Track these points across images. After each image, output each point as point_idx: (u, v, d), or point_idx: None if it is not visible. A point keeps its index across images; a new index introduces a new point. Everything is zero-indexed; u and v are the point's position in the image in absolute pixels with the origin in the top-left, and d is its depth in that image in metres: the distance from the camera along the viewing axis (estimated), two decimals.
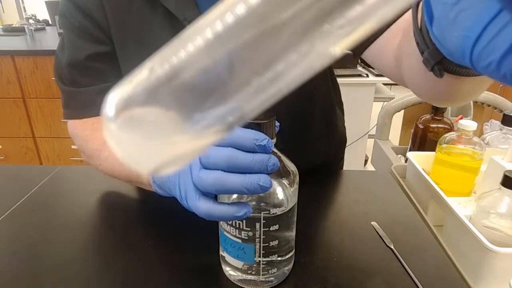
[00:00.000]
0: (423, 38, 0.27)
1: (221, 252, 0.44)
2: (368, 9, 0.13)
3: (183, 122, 0.15)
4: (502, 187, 0.50)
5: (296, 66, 0.15)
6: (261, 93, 0.15)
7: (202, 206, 0.36)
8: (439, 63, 0.27)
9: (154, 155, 0.17)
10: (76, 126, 0.61)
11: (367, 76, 1.95)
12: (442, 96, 0.38)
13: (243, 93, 0.15)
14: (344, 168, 0.83)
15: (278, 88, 0.15)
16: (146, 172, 0.18)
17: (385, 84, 2.17)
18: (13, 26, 2.63)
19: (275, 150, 0.38)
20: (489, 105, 1.06)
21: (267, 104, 0.16)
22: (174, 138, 0.15)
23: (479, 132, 0.81)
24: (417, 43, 0.28)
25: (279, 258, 0.42)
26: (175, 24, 0.52)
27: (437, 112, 0.85)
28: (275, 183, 0.39)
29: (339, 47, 0.15)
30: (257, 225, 0.38)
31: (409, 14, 0.45)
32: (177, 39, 0.15)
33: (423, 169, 0.68)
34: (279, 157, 0.38)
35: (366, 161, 2.31)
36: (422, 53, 0.28)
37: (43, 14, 2.69)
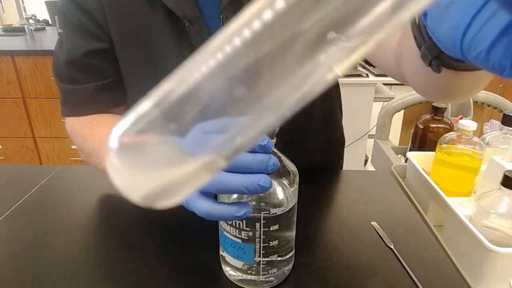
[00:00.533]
0: (421, 33, 0.27)
1: (221, 252, 0.44)
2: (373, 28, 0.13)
3: (182, 155, 0.15)
4: (502, 187, 0.50)
5: (299, 88, 0.15)
6: (261, 121, 0.15)
7: (202, 206, 0.36)
8: (437, 57, 0.27)
9: (151, 185, 0.17)
10: (74, 125, 0.61)
11: (367, 76, 1.95)
12: (442, 92, 0.38)
13: (242, 124, 0.15)
14: (344, 168, 0.83)
15: (279, 114, 0.15)
16: (138, 202, 0.18)
17: (385, 84, 2.17)
18: (13, 26, 2.63)
19: (275, 150, 0.38)
20: (489, 105, 1.06)
21: (266, 131, 0.16)
22: (173, 170, 0.15)
23: (479, 132, 0.81)
24: (415, 38, 0.29)
25: (279, 258, 0.42)
26: (175, 22, 0.52)
27: (437, 112, 0.85)
28: (275, 183, 0.39)
29: (342, 67, 0.14)
30: (257, 225, 0.38)
31: None
32: (179, 70, 0.15)
33: (423, 169, 0.68)
34: (279, 157, 0.38)
35: (366, 161, 2.31)
36: (419, 47, 0.28)
37: (43, 14, 2.69)
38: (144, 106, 0.15)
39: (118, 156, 0.16)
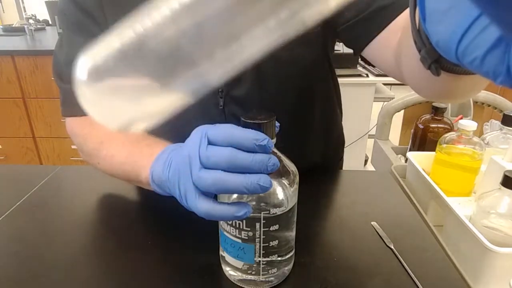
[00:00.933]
0: (420, 36, 0.27)
1: (221, 252, 0.44)
2: None
3: (151, 85, 0.15)
4: (502, 187, 0.50)
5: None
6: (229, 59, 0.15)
7: (202, 206, 0.36)
8: (436, 61, 0.27)
9: (123, 113, 0.17)
10: (74, 125, 0.61)
11: (367, 76, 1.95)
12: (441, 94, 0.38)
13: (211, 58, 0.15)
14: (344, 168, 0.83)
15: (249, 54, 0.15)
16: (115, 127, 0.18)
17: (385, 84, 2.17)
18: (13, 26, 2.63)
19: (275, 150, 0.38)
20: (489, 105, 1.06)
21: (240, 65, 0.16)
22: (142, 99, 0.16)
23: (479, 132, 0.81)
24: (415, 42, 0.29)
25: (279, 258, 0.42)
26: None
27: (437, 112, 0.85)
28: (275, 183, 0.38)
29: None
30: (257, 225, 0.38)
31: (408, 12, 0.45)
32: (145, 7, 0.15)
33: (423, 169, 0.68)
34: (279, 157, 0.38)
35: (366, 161, 2.31)
36: (419, 51, 0.28)
37: (43, 14, 2.69)
38: (112, 40, 0.15)
39: (89, 87, 0.16)
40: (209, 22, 0.14)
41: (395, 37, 0.45)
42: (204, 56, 0.15)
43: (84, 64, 0.16)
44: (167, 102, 0.16)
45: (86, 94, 0.16)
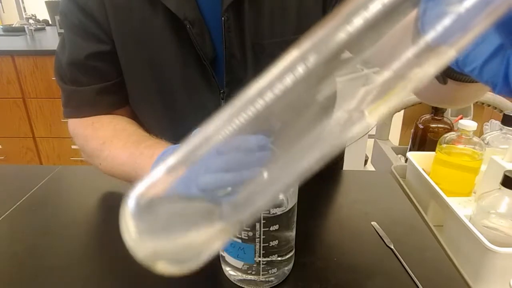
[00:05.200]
0: None
1: (221, 252, 0.44)
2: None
3: (198, 220, 0.15)
4: (502, 187, 0.50)
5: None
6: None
7: None
8: (443, 71, 0.27)
9: (173, 254, 0.17)
10: (77, 126, 0.61)
11: None
12: (444, 100, 0.38)
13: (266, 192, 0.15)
14: (344, 168, 0.83)
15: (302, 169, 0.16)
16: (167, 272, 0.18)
17: None
18: (13, 26, 2.63)
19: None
20: (489, 105, 1.06)
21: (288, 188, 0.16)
22: (189, 236, 0.16)
23: (479, 132, 0.81)
24: None
25: (279, 258, 0.42)
26: (176, 23, 0.52)
27: (437, 112, 0.85)
28: None
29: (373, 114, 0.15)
30: (257, 225, 0.38)
31: (410, 16, 0.45)
32: (195, 137, 0.15)
33: (423, 169, 0.68)
34: None
35: (366, 161, 2.31)
36: None
37: (43, 14, 2.69)
38: (160, 171, 0.15)
39: (134, 218, 0.16)
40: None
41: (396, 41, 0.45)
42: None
43: (134, 197, 0.16)
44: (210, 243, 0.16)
45: (131, 229, 0.16)
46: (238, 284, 0.43)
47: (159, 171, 0.15)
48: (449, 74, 0.28)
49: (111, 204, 0.63)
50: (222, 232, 0.16)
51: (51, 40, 2.28)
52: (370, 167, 2.23)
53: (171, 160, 0.15)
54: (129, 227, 0.16)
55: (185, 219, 0.15)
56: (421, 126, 0.88)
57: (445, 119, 0.86)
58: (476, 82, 0.30)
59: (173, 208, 0.15)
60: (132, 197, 0.15)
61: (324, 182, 0.69)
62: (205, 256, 0.17)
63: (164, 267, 0.17)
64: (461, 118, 0.94)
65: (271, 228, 0.39)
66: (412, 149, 0.92)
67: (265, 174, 0.14)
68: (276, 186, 0.15)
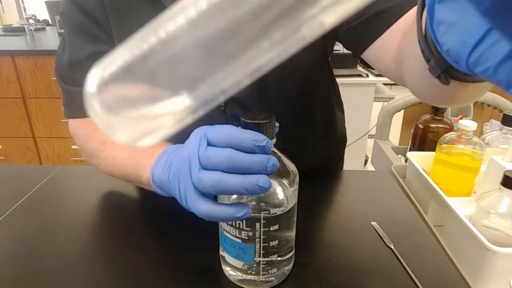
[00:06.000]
0: (429, 46, 0.27)
1: (221, 252, 0.44)
2: None
3: (159, 97, 0.15)
4: (502, 187, 0.50)
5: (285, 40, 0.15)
6: (239, 69, 0.15)
7: (202, 207, 0.36)
8: (445, 71, 0.27)
9: (132, 127, 0.17)
10: (77, 126, 0.61)
11: (367, 76, 1.94)
12: (445, 99, 0.38)
13: (220, 71, 0.15)
14: (344, 168, 0.83)
15: (257, 65, 0.16)
16: (123, 142, 0.18)
17: (385, 84, 2.17)
18: (13, 26, 2.63)
19: (275, 150, 0.38)
20: (489, 105, 1.06)
21: (245, 79, 0.16)
22: (151, 112, 0.16)
23: (479, 132, 0.81)
24: (422, 51, 0.28)
25: (279, 258, 0.42)
26: None
27: (437, 112, 0.85)
28: (275, 183, 0.39)
29: (329, 18, 0.15)
30: (257, 225, 0.38)
31: (408, 16, 0.45)
32: (155, 20, 0.15)
33: (423, 169, 0.68)
34: (279, 157, 0.38)
35: (366, 161, 2.31)
36: (427, 61, 0.28)
37: (43, 14, 2.69)
38: (118, 51, 0.15)
39: (97, 100, 0.16)
40: (218, 35, 0.14)
41: (394, 40, 0.45)
42: (214, 66, 0.15)
43: (95, 76, 0.16)
44: (176, 113, 0.16)
45: (96, 106, 0.16)
46: (238, 284, 0.43)
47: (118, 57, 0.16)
48: (452, 75, 0.28)
49: (111, 204, 0.63)
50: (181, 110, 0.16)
51: (51, 40, 2.28)
52: (370, 167, 2.23)
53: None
54: (99, 116, 0.17)
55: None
56: (421, 126, 0.88)
57: (445, 119, 0.86)
58: (479, 82, 0.30)
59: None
60: (94, 83, 0.16)
61: (324, 182, 0.69)
62: (161, 132, 0.17)
63: (144, 142, 0.17)
64: (461, 118, 0.94)
65: (271, 228, 0.39)
66: (412, 149, 0.92)
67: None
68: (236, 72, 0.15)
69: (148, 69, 0.15)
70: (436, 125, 0.86)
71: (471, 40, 0.18)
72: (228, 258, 0.42)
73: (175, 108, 0.16)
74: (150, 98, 0.16)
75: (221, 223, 0.41)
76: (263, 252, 0.40)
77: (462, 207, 0.60)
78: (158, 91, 0.15)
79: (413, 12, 0.44)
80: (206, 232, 0.47)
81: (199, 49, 0.14)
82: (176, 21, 0.14)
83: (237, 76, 0.15)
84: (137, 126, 0.17)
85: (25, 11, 2.94)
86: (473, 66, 0.19)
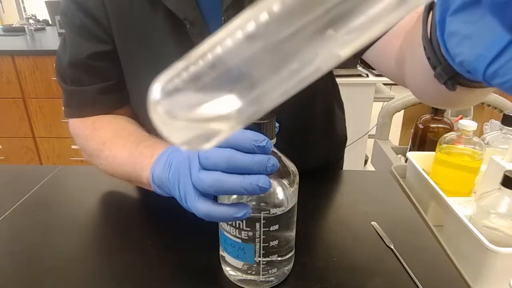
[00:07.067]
0: (435, 53, 0.27)
1: (221, 252, 0.44)
2: (372, 18, 0.15)
3: (216, 104, 0.17)
4: (502, 187, 0.50)
5: (304, 69, 0.17)
6: (275, 90, 0.17)
7: (201, 207, 0.36)
8: (452, 77, 0.27)
9: (192, 132, 0.19)
10: (78, 125, 0.61)
11: (367, 76, 1.95)
12: (448, 103, 0.38)
13: (258, 89, 0.17)
14: (344, 168, 0.83)
15: (282, 91, 0.17)
16: (183, 147, 0.20)
17: (385, 84, 2.17)
18: (13, 26, 2.63)
19: (275, 150, 0.38)
20: (489, 105, 1.06)
21: (279, 100, 0.18)
22: (208, 117, 0.18)
23: (479, 132, 0.81)
24: (428, 58, 0.28)
25: (279, 258, 0.42)
26: (176, 23, 0.52)
27: (437, 112, 0.85)
28: (275, 183, 0.39)
29: (345, 51, 0.16)
30: (257, 225, 0.38)
31: (410, 17, 0.45)
32: (206, 43, 0.17)
33: (423, 169, 0.68)
34: (279, 157, 0.38)
35: (366, 161, 2.31)
36: (434, 67, 0.28)
37: (43, 14, 2.69)
38: (179, 66, 0.18)
39: (161, 106, 0.18)
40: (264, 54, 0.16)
41: (396, 41, 0.45)
42: (270, 76, 0.17)
43: (159, 84, 0.18)
44: (231, 119, 0.19)
45: (159, 113, 0.18)
46: (238, 284, 0.43)
47: (179, 67, 0.18)
48: (459, 81, 0.28)
49: (111, 204, 0.63)
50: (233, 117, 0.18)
51: (51, 40, 2.28)
52: (370, 167, 2.23)
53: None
54: (162, 121, 0.19)
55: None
56: (421, 126, 0.88)
57: (445, 119, 0.86)
58: (485, 87, 0.30)
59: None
60: (158, 91, 0.18)
61: (324, 182, 0.69)
62: (213, 141, 0.20)
63: (200, 147, 0.21)
64: (461, 118, 0.94)
65: (271, 228, 0.39)
66: (412, 149, 0.92)
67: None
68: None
69: (208, 79, 0.17)
70: (436, 125, 0.86)
71: (489, 53, 0.18)
72: (228, 258, 0.42)
73: (230, 114, 0.18)
74: (208, 104, 0.17)
75: (221, 223, 0.41)
76: (263, 252, 0.40)
77: (462, 207, 0.60)
78: (216, 99, 0.17)
79: (415, 12, 0.44)
80: (206, 232, 0.47)
81: (258, 61, 0.16)
82: (235, 37, 0.16)
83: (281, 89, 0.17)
84: (196, 131, 0.19)
85: (25, 11, 2.94)
86: (490, 78, 0.19)
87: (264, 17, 0.15)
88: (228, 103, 0.17)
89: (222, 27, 0.17)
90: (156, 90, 0.18)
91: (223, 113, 0.18)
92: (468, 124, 0.63)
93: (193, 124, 0.18)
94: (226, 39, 0.16)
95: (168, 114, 0.18)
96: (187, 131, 0.19)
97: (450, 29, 0.21)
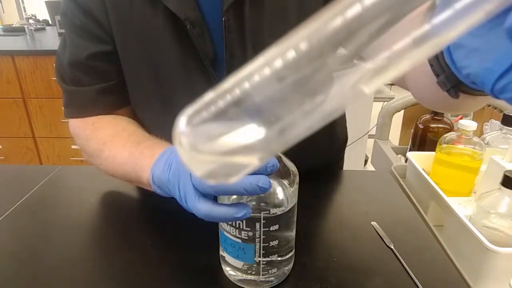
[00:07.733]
0: (438, 61, 0.27)
1: (221, 252, 0.44)
2: (394, 53, 0.16)
3: (241, 138, 0.18)
4: (502, 187, 0.50)
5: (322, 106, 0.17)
6: (301, 124, 0.18)
7: (201, 207, 0.36)
8: (455, 86, 0.27)
9: (215, 165, 0.19)
10: (78, 126, 0.61)
11: None
12: (449, 108, 0.38)
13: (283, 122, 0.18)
14: (344, 168, 0.83)
15: (307, 126, 0.18)
16: (207, 180, 0.20)
17: (385, 84, 2.17)
18: (13, 26, 2.63)
19: None
20: (489, 105, 1.06)
21: (304, 133, 0.18)
22: (233, 150, 0.18)
23: (479, 132, 0.81)
24: (431, 65, 0.28)
25: (279, 258, 0.42)
26: (176, 24, 0.52)
27: (437, 112, 0.85)
28: (275, 183, 0.39)
29: (370, 87, 0.17)
30: (257, 225, 0.38)
31: (412, 15, 0.45)
32: (232, 77, 0.18)
33: (423, 169, 0.68)
34: (279, 157, 0.38)
35: (366, 161, 2.31)
36: (437, 75, 0.28)
37: (43, 14, 2.68)
38: (208, 98, 0.18)
39: (186, 138, 0.18)
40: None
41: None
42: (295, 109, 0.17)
43: (186, 116, 0.18)
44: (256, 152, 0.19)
45: (184, 143, 0.19)
46: (238, 284, 0.43)
47: (207, 100, 0.18)
48: (462, 89, 0.28)
49: (111, 204, 0.63)
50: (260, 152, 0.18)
51: (51, 40, 2.28)
52: (370, 167, 2.23)
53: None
54: (186, 152, 0.19)
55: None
56: (421, 126, 0.88)
57: (445, 119, 0.86)
58: (488, 95, 0.30)
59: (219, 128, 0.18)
60: (185, 123, 0.18)
61: (324, 182, 0.69)
62: (239, 174, 0.20)
63: (219, 181, 0.21)
64: (461, 118, 0.94)
65: (271, 228, 0.39)
66: (412, 149, 0.92)
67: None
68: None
69: (233, 114, 0.17)
70: (436, 125, 0.86)
71: (499, 68, 0.18)
72: (228, 258, 0.42)
73: (254, 145, 0.18)
74: (233, 136, 0.18)
75: (221, 223, 0.41)
76: (263, 252, 0.40)
77: (462, 207, 0.60)
78: (240, 131, 0.18)
79: (416, 11, 0.44)
80: (206, 232, 0.47)
81: (282, 96, 0.17)
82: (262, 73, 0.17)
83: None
84: (219, 165, 0.19)
85: (25, 11, 2.94)
86: (499, 93, 0.19)
87: (291, 55, 0.16)
88: (253, 135, 0.18)
89: (248, 63, 0.17)
90: (182, 121, 0.18)
91: (248, 143, 0.18)
92: (468, 124, 0.63)
93: (218, 158, 0.18)
94: (254, 75, 0.17)
95: (193, 146, 0.18)
96: (212, 164, 0.19)
97: (457, 41, 0.20)
